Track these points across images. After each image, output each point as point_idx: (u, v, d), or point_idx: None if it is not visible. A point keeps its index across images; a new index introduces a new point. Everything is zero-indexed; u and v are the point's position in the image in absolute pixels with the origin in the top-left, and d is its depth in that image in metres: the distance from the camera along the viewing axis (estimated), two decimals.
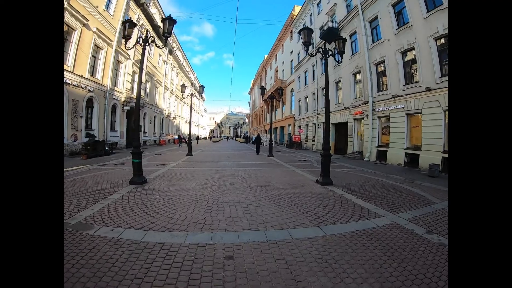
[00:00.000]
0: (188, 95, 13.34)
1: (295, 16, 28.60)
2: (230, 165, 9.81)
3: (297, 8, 28.60)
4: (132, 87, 21.77)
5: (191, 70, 50.17)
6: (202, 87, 13.27)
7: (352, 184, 6.54)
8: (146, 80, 25.11)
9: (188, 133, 13.47)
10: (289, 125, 32.33)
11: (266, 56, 49.57)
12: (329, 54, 6.79)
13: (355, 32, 16.16)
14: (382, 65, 13.81)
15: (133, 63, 20.82)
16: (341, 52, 6.85)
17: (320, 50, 6.78)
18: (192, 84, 52.92)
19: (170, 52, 33.12)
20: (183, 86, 13.19)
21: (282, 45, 35.81)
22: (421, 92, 10.98)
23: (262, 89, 14.38)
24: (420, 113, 11.07)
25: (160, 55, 29.77)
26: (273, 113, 44.75)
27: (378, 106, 13.69)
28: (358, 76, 15.98)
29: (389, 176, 8.38)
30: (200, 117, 67.45)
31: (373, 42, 14.37)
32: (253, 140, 22.00)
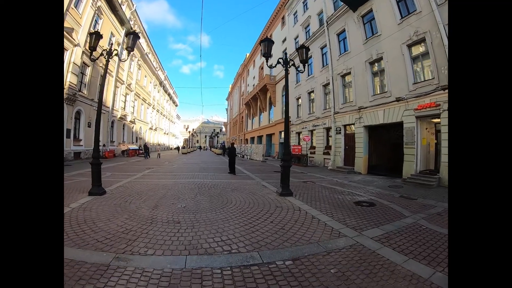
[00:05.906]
0: (103, 53, 5.83)
1: None
2: None
3: None
4: None
5: (160, 67, 42.08)
6: (134, 35, 5.91)
7: None
8: (84, 63, 17.11)
9: (94, 139, 5.70)
10: (281, 132, 25.36)
11: (247, 54, 43.00)
12: None
13: None
14: None
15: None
16: None
17: None
18: (161, 84, 44.70)
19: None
20: (96, 34, 5.79)
21: (271, 35, 29.53)
22: None
23: (266, 56, 6.81)
24: None
25: (112, 34, 21.95)
26: (257, 118, 37.98)
27: None
28: (419, 48, 9.65)
29: None
30: (171, 124, 58.77)
31: None
32: (228, 152, 14.47)
